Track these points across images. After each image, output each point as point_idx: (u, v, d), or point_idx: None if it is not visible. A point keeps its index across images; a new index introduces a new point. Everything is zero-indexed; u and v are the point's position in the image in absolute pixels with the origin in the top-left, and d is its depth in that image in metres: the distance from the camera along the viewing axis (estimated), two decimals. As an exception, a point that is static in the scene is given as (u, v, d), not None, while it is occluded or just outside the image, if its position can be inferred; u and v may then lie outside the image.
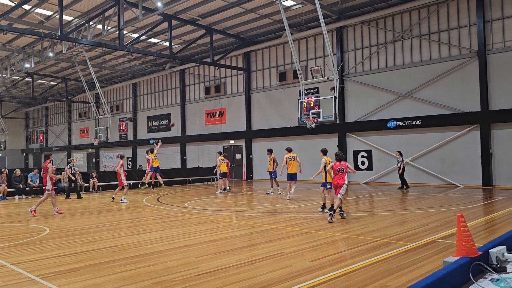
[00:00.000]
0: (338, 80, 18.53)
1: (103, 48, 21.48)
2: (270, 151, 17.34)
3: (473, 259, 2.11)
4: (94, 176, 21.14)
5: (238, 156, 28.40)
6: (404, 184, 18.35)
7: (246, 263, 6.02)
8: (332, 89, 18.07)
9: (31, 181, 18.54)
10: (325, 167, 10.82)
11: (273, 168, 16.96)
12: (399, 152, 18.55)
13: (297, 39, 24.26)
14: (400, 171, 18.21)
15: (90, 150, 41.08)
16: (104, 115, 30.55)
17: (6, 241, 8.17)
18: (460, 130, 19.08)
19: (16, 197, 18.14)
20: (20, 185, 18.30)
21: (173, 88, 33.35)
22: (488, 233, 7.97)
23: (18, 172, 18.91)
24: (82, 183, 20.17)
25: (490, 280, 2.03)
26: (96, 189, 20.75)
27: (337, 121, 19.37)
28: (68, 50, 25.02)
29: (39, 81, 37.24)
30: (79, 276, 5.55)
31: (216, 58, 25.79)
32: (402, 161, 18.26)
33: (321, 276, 5.27)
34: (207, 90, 30.28)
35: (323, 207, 11.37)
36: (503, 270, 2.15)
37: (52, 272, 5.78)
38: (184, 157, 31.64)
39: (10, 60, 29.19)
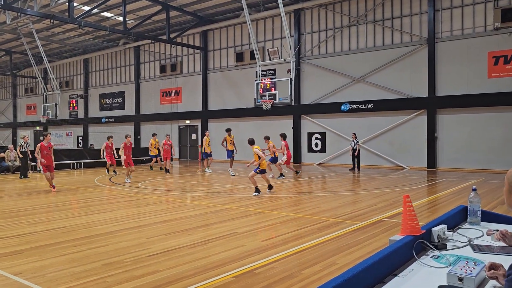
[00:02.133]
0: (294, 62, 18.67)
1: (52, 20, 20.38)
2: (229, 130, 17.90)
3: (416, 237, 2.20)
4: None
5: (194, 136, 28.13)
6: (357, 165, 18.93)
7: (199, 243, 6.03)
8: (289, 71, 18.19)
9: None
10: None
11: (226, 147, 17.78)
12: (354, 134, 19.08)
13: (255, 20, 24.09)
14: (356, 153, 18.77)
15: (37, 127, 39.25)
16: (53, 91, 29.16)
17: None
18: (408, 115, 19.83)
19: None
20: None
21: (127, 65, 32.31)
22: (430, 212, 8.40)
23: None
24: (29, 162, 19.28)
25: (432, 257, 2.13)
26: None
27: (293, 103, 19.57)
28: (12, 21, 23.55)
29: (-20, 53, 34.90)
30: (24, 259, 5.34)
31: (172, 35, 25.16)
32: (358, 144, 18.84)
33: (273, 255, 5.37)
34: (162, 69, 29.58)
35: (270, 187, 11.51)
36: (443, 247, 2.26)
37: (-5, 254, 5.53)
38: (138, 137, 30.95)
39: None
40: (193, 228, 7.13)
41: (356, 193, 11.78)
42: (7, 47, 33.22)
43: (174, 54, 28.95)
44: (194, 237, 6.41)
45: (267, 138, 15.35)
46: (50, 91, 30.91)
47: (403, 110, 19.94)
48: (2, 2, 17.80)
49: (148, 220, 7.85)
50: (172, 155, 19.11)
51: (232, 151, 17.55)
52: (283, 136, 15.75)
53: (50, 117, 28.94)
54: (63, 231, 6.94)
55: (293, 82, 18.09)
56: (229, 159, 17.69)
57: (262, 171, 11.27)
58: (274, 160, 15.43)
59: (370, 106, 20.63)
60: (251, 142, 11.76)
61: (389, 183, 13.83)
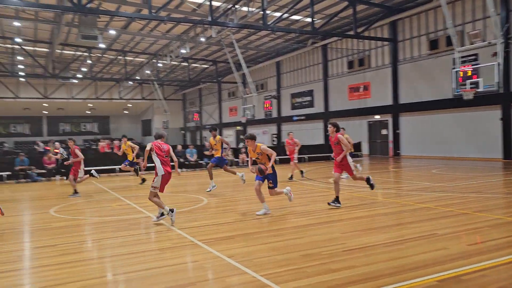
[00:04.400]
0: (502, 44, 16.25)
1: (249, 29, 22.39)
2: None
3: None
4: (243, 151, 22.54)
5: (384, 132, 27.24)
6: None
7: (395, 242, 5.78)
8: (495, 54, 15.94)
9: (189, 156, 20.64)
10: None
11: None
12: None
13: (451, 1, 21.87)
14: None
15: (238, 127, 43.81)
16: (251, 94, 32.10)
17: (172, 208, 9.26)
18: None
19: (179, 170, 20.40)
20: (181, 159, 20.50)
21: (315, 64, 33.30)
22: None
23: (179, 147, 21.22)
24: (233, 158, 21.68)
25: None
26: (246, 164, 22.12)
27: (501, 91, 17.07)
28: (217, 34, 26.79)
29: (193, 65, 40.79)
30: (235, 244, 6.01)
31: (359, 30, 24.84)
32: None
33: (483, 262, 4.77)
34: (350, 64, 29.49)
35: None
36: None
37: (212, 238, 6.37)
38: (327, 133, 31.60)
39: (169, 47, 32.52)
40: (387, 226, 6.89)
41: None
42: (213, 57, 38.04)
43: (362, 49, 28.53)
44: (389, 236, 6.18)
45: (213, 130, 12.21)
46: (248, 94, 34.12)
47: None
48: (210, 19, 20.41)
49: (340, 216, 7.92)
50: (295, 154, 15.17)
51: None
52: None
53: (248, 117, 31.93)
54: (262, 222, 7.55)
55: (500, 67, 15.77)
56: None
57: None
58: (220, 160, 12.07)
59: None
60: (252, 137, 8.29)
61: None
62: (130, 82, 44.51)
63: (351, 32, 24.77)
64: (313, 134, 32.05)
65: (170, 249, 5.87)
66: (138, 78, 42.23)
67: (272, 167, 8.15)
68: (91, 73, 39.56)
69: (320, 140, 31.46)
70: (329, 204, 8.79)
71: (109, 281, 4.77)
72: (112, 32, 27.31)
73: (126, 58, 35.70)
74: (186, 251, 5.77)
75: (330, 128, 8.97)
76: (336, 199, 8.77)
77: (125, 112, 54.84)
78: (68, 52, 34.22)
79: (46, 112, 50.63)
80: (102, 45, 30.01)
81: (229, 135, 45.75)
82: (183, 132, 56.74)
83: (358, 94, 29.06)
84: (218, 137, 12.07)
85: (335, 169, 8.92)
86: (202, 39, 27.72)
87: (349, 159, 8.88)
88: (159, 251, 5.84)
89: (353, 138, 28.65)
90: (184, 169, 20.59)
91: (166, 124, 44.88)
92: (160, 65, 36.61)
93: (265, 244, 5.94)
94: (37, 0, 21.19)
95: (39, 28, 27.66)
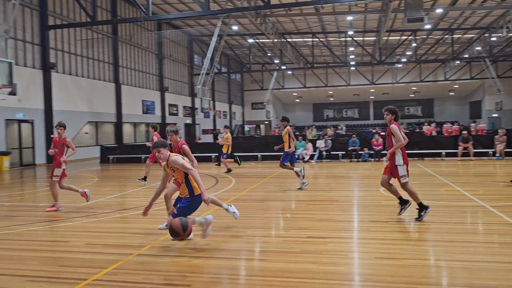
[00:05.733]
0: None
1: None
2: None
3: None
4: None
5: None
6: None
7: None
8: None
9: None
10: None
11: None
12: None
13: None
14: None
15: None
16: None
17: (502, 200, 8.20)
18: None
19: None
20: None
21: None
22: None
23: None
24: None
25: None
26: None
27: None
28: None
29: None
30: None
31: None
32: None
33: None
34: None
35: None
36: None
37: None
38: None
39: (505, 17, 28.50)
40: None
41: None
42: None
43: None
44: None
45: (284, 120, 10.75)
46: None
47: None
48: None
49: None
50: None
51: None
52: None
53: None
54: None
55: None
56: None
57: None
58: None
59: None
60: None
61: None
62: (457, 62, 41.83)
63: None
64: None
65: (504, 245, 5.22)
66: (467, 56, 39.15)
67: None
68: (416, 56, 39.32)
69: None
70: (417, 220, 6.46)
71: (431, 265, 4.67)
72: (439, 10, 26.28)
73: (453, 36, 33.67)
74: (526, 251, 4.99)
75: (388, 116, 6.62)
76: (421, 208, 6.49)
77: (450, 93, 51.97)
78: (393, 38, 35.29)
79: (373, 97, 53.98)
80: (427, 26, 29.37)
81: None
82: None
83: None
84: (287, 128, 10.42)
85: (384, 171, 6.77)
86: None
87: (399, 160, 6.46)
88: (489, 244, 5.30)
89: None
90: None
91: (499, 105, 39.86)
92: (493, 39, 32.74)
93: None
94: (367, -7, 22.72)
95: (368, 18, 29.61)
